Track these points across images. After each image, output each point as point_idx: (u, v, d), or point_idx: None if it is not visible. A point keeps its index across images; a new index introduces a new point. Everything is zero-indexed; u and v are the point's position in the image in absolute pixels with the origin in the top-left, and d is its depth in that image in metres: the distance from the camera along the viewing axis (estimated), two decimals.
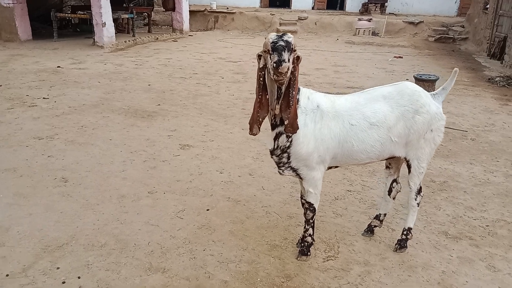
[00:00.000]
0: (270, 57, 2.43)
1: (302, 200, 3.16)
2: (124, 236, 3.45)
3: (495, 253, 3.38)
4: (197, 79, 9.26)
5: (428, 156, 3.12)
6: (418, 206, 3.28)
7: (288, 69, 2.39)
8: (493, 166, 5.07)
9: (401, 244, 3.34)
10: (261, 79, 2.59)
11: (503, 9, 12.41)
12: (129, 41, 13.76)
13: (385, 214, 3.53)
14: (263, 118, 2.69)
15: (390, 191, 3.43)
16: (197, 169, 4.74)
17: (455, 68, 3.12)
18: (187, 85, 8.64)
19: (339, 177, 4.62)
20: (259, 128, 2.72)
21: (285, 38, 2.44)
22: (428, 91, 3.16)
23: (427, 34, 17.00)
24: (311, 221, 3.11)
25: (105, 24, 12.30)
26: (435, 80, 7.49)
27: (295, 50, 2.48)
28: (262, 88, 2.62)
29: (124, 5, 16.87)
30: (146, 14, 17.78)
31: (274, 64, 2.36)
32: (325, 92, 3.00)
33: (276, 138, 2.80)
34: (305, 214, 3.10)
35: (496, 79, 9.80)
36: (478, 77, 10.24)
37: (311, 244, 3.19)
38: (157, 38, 15.23)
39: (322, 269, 3.11)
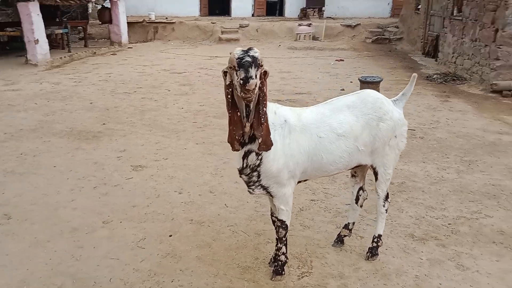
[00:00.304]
0: (237, 74, 2.30)
1: (273, 217, 3.04)
2: (82, 274, 3.15)
3: (461, 251, 3.44)
4: (142, 93, 8.92)
5: (393, 162, 3.13)
6: (386, 212, 3.28)
7: (255, 85, 2.27)
8: (445, 163, 5.24)
9: (373, 252, 3.31)
10: (229, 96, 2.45)
11: (434, 9, 13.10)
12: (65, 57, 13.06)
13: (353, 223, 3.50)
14: (239, 135, 2.55)
15: (357, 199, 3.41)
16: (153, 191, 4.48)
17: (414, 74, 3.17)
18: (132, 101, 8.29)
19: (301, 186, 4.55)
20: (239, 144, 2.58)
21: (251, 53, 2.32)
22: None
23: (364, 36, 17.61)
24: (284, 239, 3.00)
25: (38, 40, 11.57)
26: (379, 82, 7.66)
27: (262, 65, 2.37)
28: (231, 105, 2.48)
29: (57, 19, 16.00)
30: (81, 28, 17.00)
31: (241, 81, 2.24)
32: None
33: (245, 156, 2.66)
34: (277, 232, 2.98)
35: (434, 76, 10.27)
36: (417, 76, 10.67)
37: (285, 262, 3.08)
38: (95, 53, 14.59)
39: (298, 287, 3.00)
